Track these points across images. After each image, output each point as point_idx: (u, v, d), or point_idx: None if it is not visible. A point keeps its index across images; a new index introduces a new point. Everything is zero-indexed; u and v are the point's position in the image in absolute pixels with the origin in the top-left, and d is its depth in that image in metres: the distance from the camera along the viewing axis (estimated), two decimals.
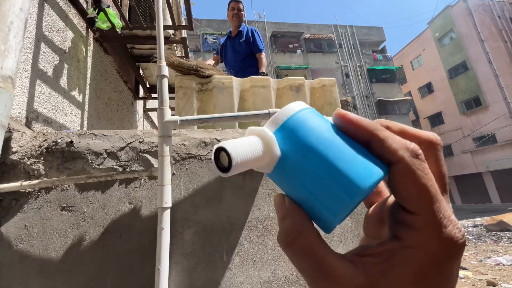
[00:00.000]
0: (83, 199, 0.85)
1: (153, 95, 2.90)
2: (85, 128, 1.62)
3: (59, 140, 0.88)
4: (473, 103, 17.02)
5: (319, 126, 0.20)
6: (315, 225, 0.19)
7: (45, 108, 1.23)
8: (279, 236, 0.18)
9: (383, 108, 17.57)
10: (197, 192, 0.91)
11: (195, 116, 0.92)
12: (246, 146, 0.19)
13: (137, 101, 2.90)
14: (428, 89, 20.14)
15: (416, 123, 20.63)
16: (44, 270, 0.77)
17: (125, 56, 2.20)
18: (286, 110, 0.21)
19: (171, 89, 2.67)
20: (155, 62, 2.10)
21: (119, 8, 1.54)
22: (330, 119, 0.22)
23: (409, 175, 0.17)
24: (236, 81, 1.32)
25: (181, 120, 0.90)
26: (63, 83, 1.40)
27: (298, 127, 0.20)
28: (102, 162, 0.89)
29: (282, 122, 0.20)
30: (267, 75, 2.41)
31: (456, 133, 17.72)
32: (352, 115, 0.20)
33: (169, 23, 1.92)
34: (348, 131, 0.20)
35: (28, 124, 1.11)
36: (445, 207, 0.17)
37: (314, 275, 0.16)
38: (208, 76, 1.28)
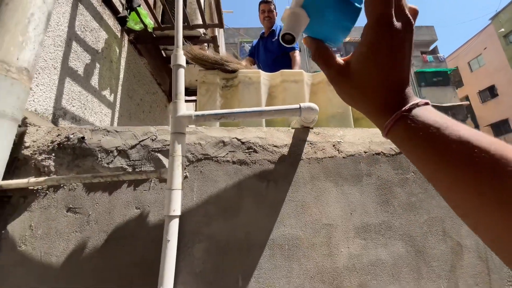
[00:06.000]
0: (89, 201, 0.77)
1: (188, 98, 2.92)
2: None
3: (71, 136, 0.82)
4: None
5: None
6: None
7: (73, 106, 1.24)
8: (312, 56, 0.33)
9: None
10: (211, 200, 0.78)
11: (212, 111, 0.80)
12: (295, 22, 0.29)
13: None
14: (490, 93, 17.63)
15: None
16: (44, 276, 0.70)
17: (159, 58, 2.23)
18: None
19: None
20: (186, 63, 2.03)
21: (150, 7, 1.52)
22: None
23: None
24: (264, 76, 1.17)
25: (196, 115, 0.78)
26: (94, 82, 1.42)
27: None
28: (112, 160, 0.81)
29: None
30: None
31: None
32: None
33: (200, 22, 1.88)
34: None
35: (54, 121, 1.11)
36: None
37: (326, 70, 0.31)
38: (233, 71, 1.15)
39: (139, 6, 1.49)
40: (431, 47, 18.48)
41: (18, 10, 0.80)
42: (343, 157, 0.82)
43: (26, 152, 0.79)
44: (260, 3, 2.51)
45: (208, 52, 1.16)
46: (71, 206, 0.77)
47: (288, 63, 2.36)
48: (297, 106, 0.81)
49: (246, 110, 0.79)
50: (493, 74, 17.12)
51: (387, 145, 0.84)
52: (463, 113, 15.92)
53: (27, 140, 0.81)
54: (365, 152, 0.83)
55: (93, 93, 1.40)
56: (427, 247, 0.75)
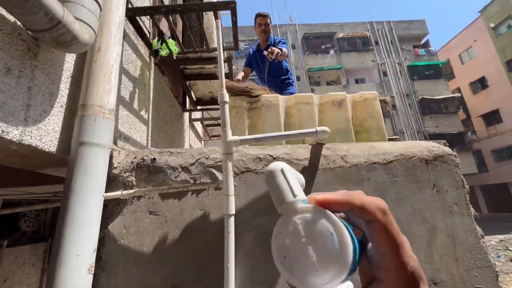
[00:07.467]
0: (164, 206, 1.05)
1: (198, 107, 3.18)
2: (149, 141, 1.90)
3: (145, 157, 1.10)
4: None
5: None
6: None
7: (124, 128, 1.50)
8: None
9: (427, 107, 16.24)
10: (254, 202, 1.06)
11: (252, 136, 1.07)
12: None
13: (184, 113, 3.21)
14: (481, 84, 18.10)
15: (467, 123, 18.63)
16: (139, 261, 0.98)
17: (176, 74, 2.49)
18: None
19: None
20: (203, 79, 2.31)
21: (178, 38, 1.78)
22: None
23: (382, 230, 0.23)
24: (281, 99, 1.45)
25: (241, 140, 1.05)
26: (135, 105, 1.68)
27: None
28: (178, 175, 1.09)
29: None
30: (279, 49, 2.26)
31: None
32: (327, 196, 0.25)
33: (215, 45, 2.13)
34: (332, 210, 0.24)
35: (114, 142, 1.37)
36: (407, 247, 0.23)
37: None
38: (257, 96, 1.43)
39: (169, 38, 1.75)
40: (423, 41, 18.84)
41: (103, 65, 1.06)
42: (349, 166, 1.11)
43: (115, 171, 1.06)
44: (257, 16, 2.58)
45: (236, 83, 1.44)
46: (151, 210, 1.04)
47: (292, 81, 2.61)
48: (314, 130, 1.09)
49: (277, 135, 1.07)
50: (483, 66, 17.58)
51: (381, 156, 1.13)
52: (455, 104, 16.37)
53: (114, 162, 1.08)
54: (365, 162, 1.11)
55: (135, 114, 1.66)
56: (411, 230, 1.04)
